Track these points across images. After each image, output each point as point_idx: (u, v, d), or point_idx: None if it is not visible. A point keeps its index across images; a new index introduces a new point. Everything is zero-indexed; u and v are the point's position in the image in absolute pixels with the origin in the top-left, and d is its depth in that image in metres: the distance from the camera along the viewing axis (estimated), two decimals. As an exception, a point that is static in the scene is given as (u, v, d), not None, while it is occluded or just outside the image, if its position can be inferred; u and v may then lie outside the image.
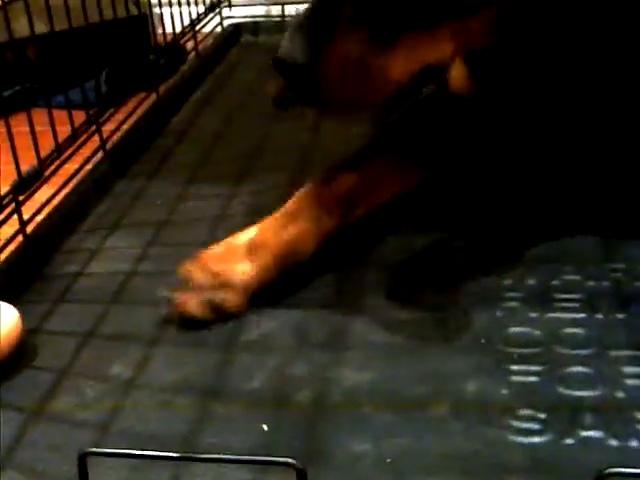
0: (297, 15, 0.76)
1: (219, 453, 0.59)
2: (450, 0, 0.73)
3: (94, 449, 0.50)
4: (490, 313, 0.77)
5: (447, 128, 0.90)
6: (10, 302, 0.79)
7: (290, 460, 0.47)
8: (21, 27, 1.03)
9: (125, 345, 0.79)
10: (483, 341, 0.74)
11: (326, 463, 0.63)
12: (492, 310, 0.78)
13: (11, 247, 0.91)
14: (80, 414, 0.71)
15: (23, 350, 0.79)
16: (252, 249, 0.82)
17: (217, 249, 0.83)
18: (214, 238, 0.89)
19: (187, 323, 0.79)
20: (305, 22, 0.74)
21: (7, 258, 0.90)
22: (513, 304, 0.78)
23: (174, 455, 0.51)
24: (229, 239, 0.84)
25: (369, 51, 0.73)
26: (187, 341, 0.78)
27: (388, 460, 0.63)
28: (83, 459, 0.50)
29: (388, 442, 0.65)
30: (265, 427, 0.67)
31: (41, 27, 1.04)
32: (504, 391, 0.68)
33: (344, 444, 0.65)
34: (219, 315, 0.79)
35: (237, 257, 0.81)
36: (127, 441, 0.67)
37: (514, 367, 0.71)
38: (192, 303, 0.79)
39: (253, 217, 0.88)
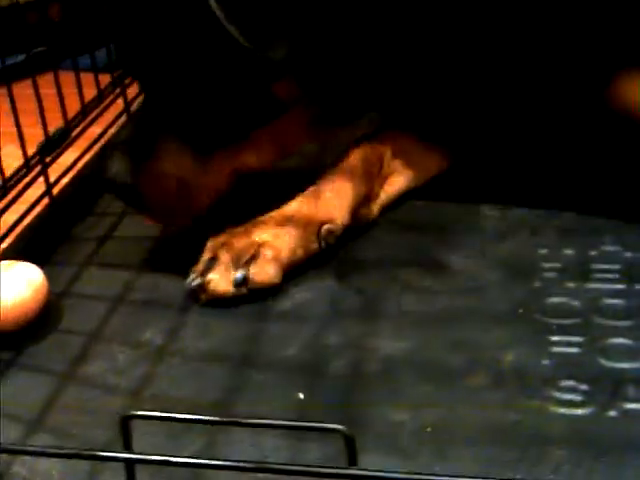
0: (118, 133, 0.85)
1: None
2: (251, 113, 0.80)
3: (137, 412, 0.49)
4: (527, 283, 0.76)
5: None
6: (37, 264, 0.78)
7: (338, 426, 0.46)
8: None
9: (156, 311, 0.78)
10: (521, 311, 0.73)
11: (365, 432, 0.62)
12: (529, 280, 0.76)
13: (37, 209, 0.90)
14: (112, 379, 0.70)
15: (50, 313, 0.78)
16: (281, 221, 0.80)
17: (241, 226, 0.81)
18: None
19: (217, 302, 0.77)
20: (127, 141, 0.81)
21: (34, 220, 0.89)
22: (551, 274, 0.77)
23: (218, 420, 0.49)
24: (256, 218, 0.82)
25: (185, 168, 0.80)
26: (219, 309, 0.77)
27: (428, 429, 0.62)
28: (126, 422, 0.49)
29: (426, 412, 0.63)
30: (301, 395, 0.66)
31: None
32: (544, 362, 0.67)
33: (382, 413, 0.64)
34: (250, 290, 0.77)
35: (263, 230, 0.79)
36: (160, 407, 0.66)
37: (554, 338, 0.69)
38: (219, 282, 0.76)
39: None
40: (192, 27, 0.76)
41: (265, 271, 0.77)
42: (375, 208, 0.87)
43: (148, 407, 0.66)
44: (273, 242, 0.78)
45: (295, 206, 0.82)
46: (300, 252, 0.79)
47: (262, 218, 0.81)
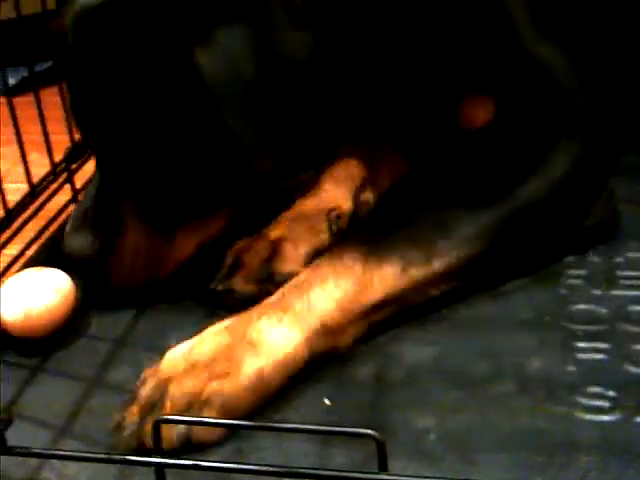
0: (80, 205, 0.80)
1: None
2: (224, 190, 0.79)
3: (169, 417, 0.49)
4: (553, 290, 0.76)
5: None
6: (64, 271, 0.78)
7: (370, 431, 0.46)
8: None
9: (182, 317, 0.78)
10: (547, 318, 0.73)
11: (391, 438, 0.61)
12: (555, 287, 0.76)
13: (63, 216, 0.90)
14: (137, 385, 0.70)
15: (78, 319, 0.79)
16: (291, 218, 0.84)
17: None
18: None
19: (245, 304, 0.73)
20: (89, 214, 0.78)
21: (60, 227, 0.89)
22: (576, 281, 0.77)
23: (252, 424, 0.50)
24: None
25: (148, 241, 0.79)
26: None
27: (454, 435, 0.62)
28: (157, 426, 0.49)
29: (452, 418, 0.64)
30: (327, 401, 0.66)
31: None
32: (570, 368, 0.67)
33: (408, 420, 0.64)
34: (276, 285, 0.74)
35: (276, 230, 0.83)
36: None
37: (580, 344, 0.69)
38: (244, 284, 0.78)
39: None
40: (175, 105, 0.73)
41: (287, 263, 0.78)
42: (374, 194, 0.88)
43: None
44: (288, 236, 0.80)
45: (299, 203, 0.85)
46: (314, 240, 0.81)
47: (273, 221, 0.83)
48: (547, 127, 0.78)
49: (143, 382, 0.66)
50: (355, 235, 0.76)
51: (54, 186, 0.89)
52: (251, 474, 0.51)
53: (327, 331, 0.69)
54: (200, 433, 0.61)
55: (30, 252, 0.86)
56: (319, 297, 0.69)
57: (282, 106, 0.72)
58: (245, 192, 0.80)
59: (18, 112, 0.86)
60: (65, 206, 0.91)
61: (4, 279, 0.79)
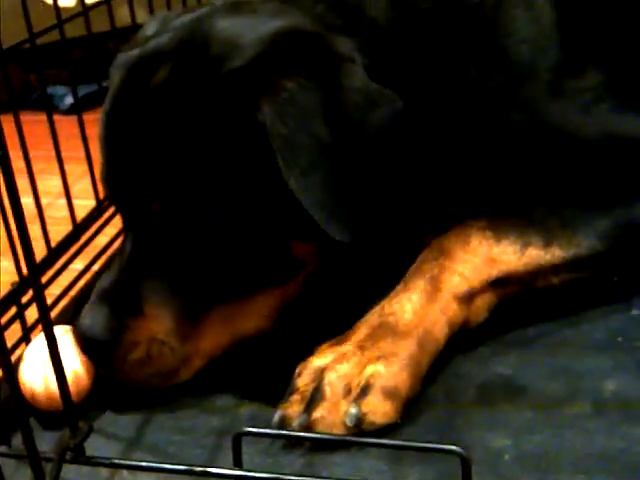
0: (101, 281, 0.72)
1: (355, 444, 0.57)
2: (262, 274, 0.72)
3: (249, 429, 0.49)
4: (625, 311, 0.75)
5: None
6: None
7: (456, 448, 0.46)
8: (122, 16, 1.02)
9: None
10: (620, 339, 0.72)
11: (465, 457, 0.61)
12: (627, 308, 0.75)
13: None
14: (207, 398, 0.70)
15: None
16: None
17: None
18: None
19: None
20: (108, 292, 0.70)
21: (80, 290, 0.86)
22: (648, 303, 0.76)
23: (333, 438, 0.49)
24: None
25: (173, 329, 0.69)
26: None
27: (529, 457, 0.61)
28: (238, 439, 0.49)
29: (528, 439, 0.63)
30: (398, 420, 0.65)
31: (142, 16, 1.00)
32: (647, 390, 0.66)
33: (481, 440, 0.63)
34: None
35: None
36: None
37: (655, 366, 0.68)
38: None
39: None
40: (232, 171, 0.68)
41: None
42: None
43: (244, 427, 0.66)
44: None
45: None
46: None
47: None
48: None
49: (298, 375, 0.67)
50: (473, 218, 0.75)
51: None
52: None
53: (458, 302, 0.70)
54: (371, 416, 0.62)
55: (96, 267, 0.86)
56: (442, 272, 0.70)
57: (359, 179, 0.66)
58: (286, 276, 0.73)
59: (76, 130, 0.87)
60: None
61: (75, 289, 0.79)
